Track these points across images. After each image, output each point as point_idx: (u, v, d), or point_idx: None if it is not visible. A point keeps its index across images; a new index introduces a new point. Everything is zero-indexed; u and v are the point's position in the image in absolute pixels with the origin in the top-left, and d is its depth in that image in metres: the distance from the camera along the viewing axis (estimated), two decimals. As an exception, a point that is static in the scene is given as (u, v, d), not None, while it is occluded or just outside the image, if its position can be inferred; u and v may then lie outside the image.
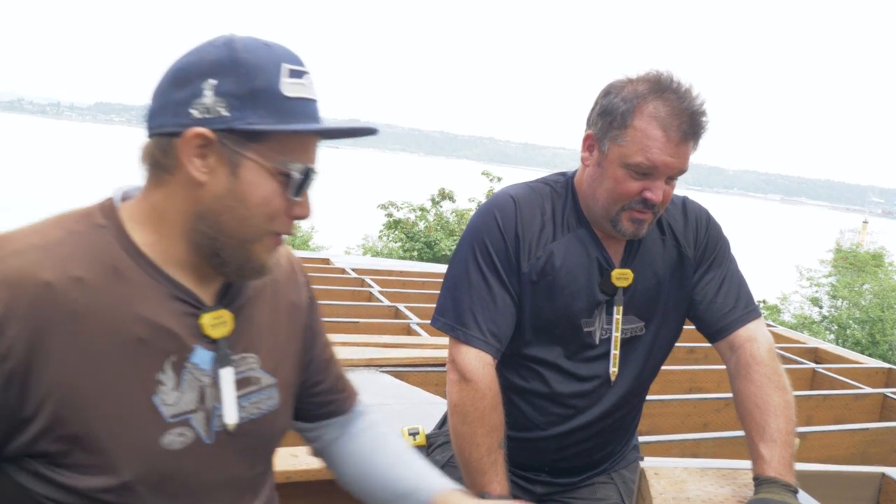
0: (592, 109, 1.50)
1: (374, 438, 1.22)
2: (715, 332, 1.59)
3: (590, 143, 1.50)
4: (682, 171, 1.45)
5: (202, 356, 0.94)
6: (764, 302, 21.22)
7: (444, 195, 16.09)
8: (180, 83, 0.88)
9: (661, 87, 1.42)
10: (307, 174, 0.93)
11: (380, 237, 16.53)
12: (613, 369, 1.58)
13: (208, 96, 0.87)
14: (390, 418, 1.99)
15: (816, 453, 2.99)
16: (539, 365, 1.57)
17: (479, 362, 1.47)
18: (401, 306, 4.68)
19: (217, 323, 0.95)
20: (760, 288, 21.63)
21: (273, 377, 1.03)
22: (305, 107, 0.92)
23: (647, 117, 1.40)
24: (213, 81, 0.87)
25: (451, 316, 1.51)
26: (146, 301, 0.90)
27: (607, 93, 1.46)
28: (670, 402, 3.24)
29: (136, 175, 0.95)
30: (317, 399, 1.18)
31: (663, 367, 4.10)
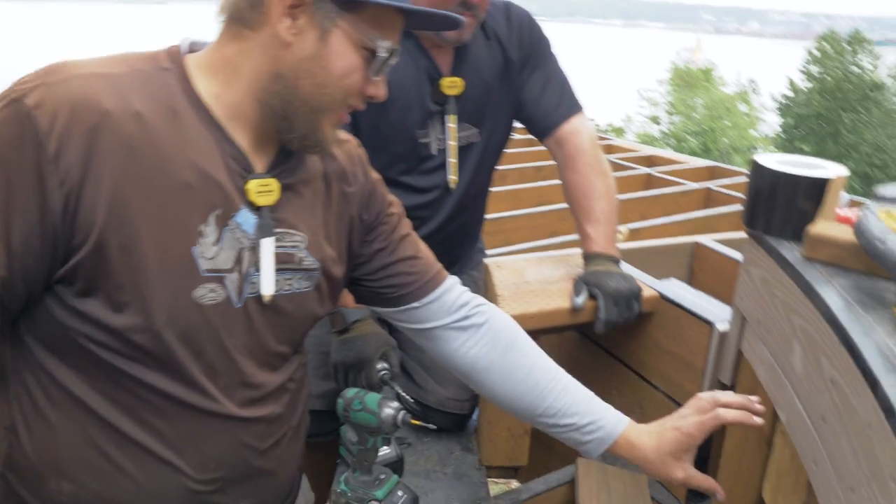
0: None
1: (506, 352, 1.15)
2: (543, 129, 1.67)
3: None
4: None
5: (247, 218, 0.92)
6: (611, 125, 22.28)
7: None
8: None
9: None
10: (391, 54, 0.92)
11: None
12: (452, 177, 1.65)
13: None
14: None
15: (650, 244, 3.31)
16: None
17: None
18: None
19: (263, 191, 0.93)
20: (606, 112, 22.66)
21: (317, 261, 1.01)
22: None
23: None
24: None
25: None
26: (200, 150, 0.88)
27: None
28: (520, 217, 3.43)
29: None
30: (387, 282, 1.13)
31: (514, 187, 4.25)
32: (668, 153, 5.15)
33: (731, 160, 19.41)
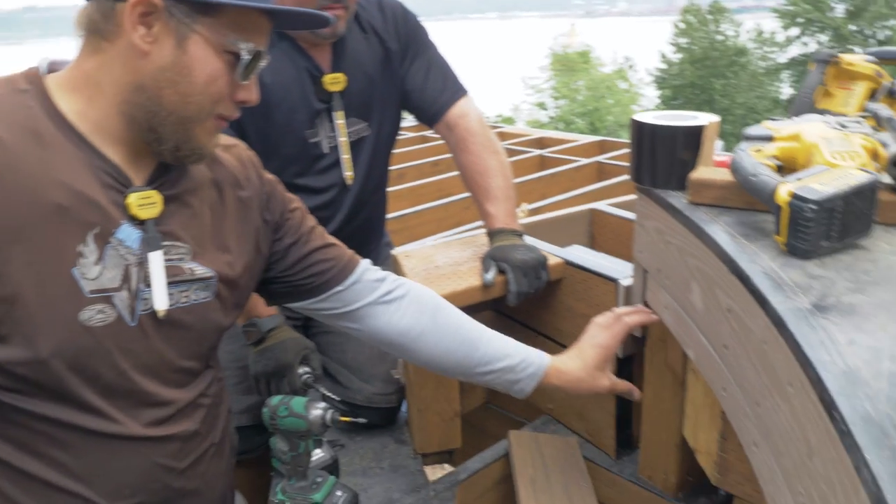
0: None
1: (435, 315, 1.21)
2: (431, 116, 1.69)
3: None
4: None
5: (129, 233, 0.89)
6: (500, 115, 22.70)
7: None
8: None
9: None
10: (256, 56, 0.89)
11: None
12: (348, 173, 1.65)
13: None
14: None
15: (552, 221, 3.40)
16: None
17: None
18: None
19: (145, 204, 0.90)
20: (495, 103, 23.06)
21: (210, 270, 0.98)
22: None
23: None
24: None
25: None
26: (69, 169, 0.84)
27: None
28: (424, 212, 3.44)
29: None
30: (308, 272, 1.14)
31: (413, 184, 4.25)
32: (557, 134, 5.29)
33: (618, 136, 20.13)
